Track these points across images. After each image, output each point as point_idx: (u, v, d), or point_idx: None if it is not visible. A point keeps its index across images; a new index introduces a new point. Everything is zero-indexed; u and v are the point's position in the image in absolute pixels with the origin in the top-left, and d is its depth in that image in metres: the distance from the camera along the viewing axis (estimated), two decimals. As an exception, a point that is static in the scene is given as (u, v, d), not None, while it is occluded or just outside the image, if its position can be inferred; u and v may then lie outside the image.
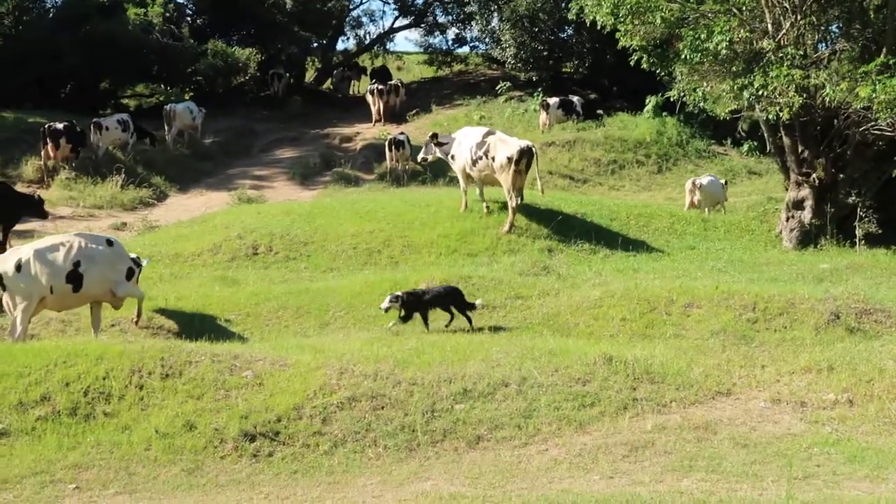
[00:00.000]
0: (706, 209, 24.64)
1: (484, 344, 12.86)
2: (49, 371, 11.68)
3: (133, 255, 15.65)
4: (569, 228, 21.02)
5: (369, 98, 40.36)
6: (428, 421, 10.78)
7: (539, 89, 39.76)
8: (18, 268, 13.88)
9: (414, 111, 40.41)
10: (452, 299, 14.91)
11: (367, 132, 37.72)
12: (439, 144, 22.41)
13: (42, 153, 28.54)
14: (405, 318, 14.65)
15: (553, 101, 36.02)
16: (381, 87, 40.39)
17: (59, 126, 28.45)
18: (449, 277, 16.46)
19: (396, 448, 10.43)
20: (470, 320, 14.90)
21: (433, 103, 41.73)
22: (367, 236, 19.79)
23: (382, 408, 10.97)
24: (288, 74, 46.06)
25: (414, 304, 14.66)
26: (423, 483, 9.54)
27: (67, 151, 28.51)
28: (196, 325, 14.87)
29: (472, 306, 15.03)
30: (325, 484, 9.82)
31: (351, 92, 50.05)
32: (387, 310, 14.64)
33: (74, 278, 14.22)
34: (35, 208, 21.38)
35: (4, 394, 11.43)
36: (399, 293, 14.71)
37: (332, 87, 51.23)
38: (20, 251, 14.16)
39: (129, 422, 11.08)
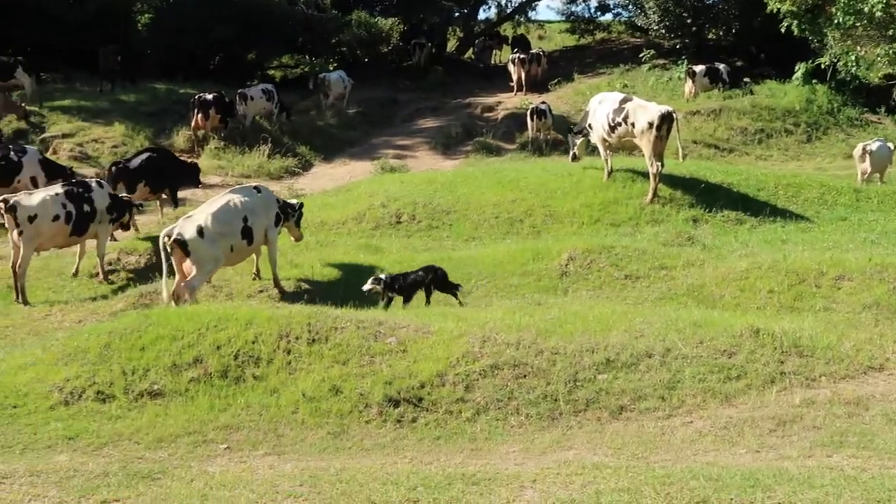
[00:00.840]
0: (865, 177, 23.80)
1: (627, 314, 12.74)
2: (201, 335, 12.05)
3: (292, 201, 16.49)
4: (714, 198, 20.62)
5: (511, 67, 40.24)
6: (570, 390, 10.75)
7: (683, 57, 39.01)
8: (201, 233, 14.36)
9: (556, 80, 40.14)
10: (434, 280, 14.60)
11: (509, 101, 37.64)
12: (578, 132, 22.39)
13: (192, 123, 29.34)
14: (387, 303, 14.47)
15: (699, 68, 35.31)
16: (522, 56, 40.21)
17: (209, 97, 29.20)
18: (591, 247, 16.35)
19: (539, 417, 10.44)
20: (457, 297, 14.69)
21: (575, 72, 41.37)
22: (509, 205, 19.78)
23: (525, 376, 10.99)
24: (430, 44, 46.23)
25: (396, 287, 14.46)
26: (566, 452, 9.54)
27: (217, 121, 29.28)
28: (341, 293, 15.12)
29: (457, 286, 14.76)
30: (467, 450, 9.90)
31: (492, 61, 49.96)
32: (368, 292, 14.49)
33: (247, 233, 14.92)
34: (193, 176, 22.24)
35: (159, 356, 11.84)
36: (382, 276, 14.54)
37: (473, 56, 51.20)
38: (195, 217, 14.62)
39: (278, 385, 11.36)
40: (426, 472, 9.16)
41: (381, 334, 11.85)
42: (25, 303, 16.14)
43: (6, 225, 16.32)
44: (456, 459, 9.59)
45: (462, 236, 18.73)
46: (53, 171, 20.43)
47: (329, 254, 17.24)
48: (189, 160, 24.12)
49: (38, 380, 11.88)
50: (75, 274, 17.38)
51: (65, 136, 28.42)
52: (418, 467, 9.39)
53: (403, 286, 14.46)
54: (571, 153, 23.40)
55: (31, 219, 16.11)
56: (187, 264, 14.38)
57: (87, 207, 16.79)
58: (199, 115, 28.92)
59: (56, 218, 16.35)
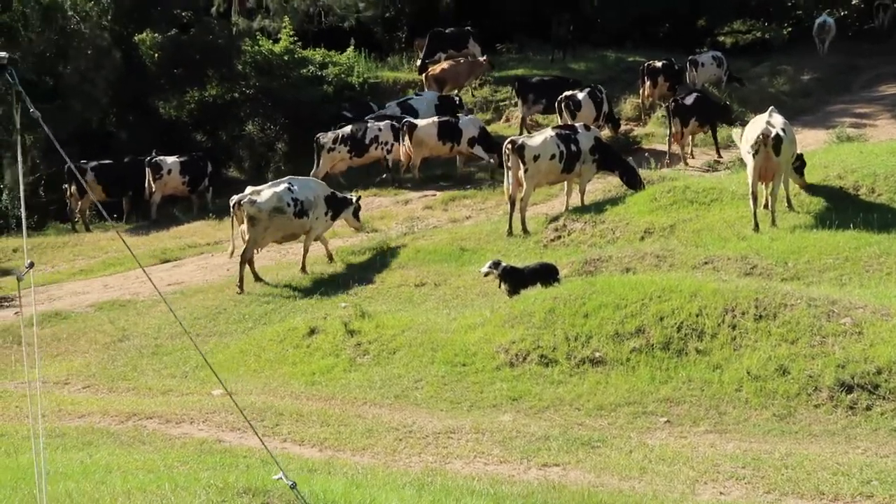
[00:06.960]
0: None
1: None
2: (644, 305, 11.98)
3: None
4: None
5: None
6: None
7: None
8: (784, 132, 16.19)
9: None
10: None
11: None
12: None
13: (640, 91, 29.32)
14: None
15: None
16: None
17: (658, 64, 29.05)
18: None
19: None
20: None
21: None
22: (985, 180, 17.92)
23: None
24: (895, 4, 43.12)
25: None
26: None
27: (665, 89, 29.03)
28: (790, 268, 14.43)
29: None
30: (929, 445, 9.14)
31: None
32: (486, 275, 14.44)
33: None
34: (726, 116, 25.01)
35: (602, 324, 11.92)
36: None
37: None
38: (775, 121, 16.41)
39: (721, 361, 11.08)
40: (882, 465, 8.58)
41: (835, 314, 11.19)
42: (525, 231, 18.41)
43: (510, 165, 18.42)
44: (917, 454, 8.87)
45: (926, 212, 17.23)
46: None
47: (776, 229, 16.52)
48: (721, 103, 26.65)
49: (486, 340, 12.37)
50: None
51: (514, 104, 29.63)
52: (873, 459, 8.81)
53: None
54: None
55: (535, 158, 18.28)
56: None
57: (573, 148, 18.75)
58: (648, 83, 28.86)
59: (553, 157, 18.44)
